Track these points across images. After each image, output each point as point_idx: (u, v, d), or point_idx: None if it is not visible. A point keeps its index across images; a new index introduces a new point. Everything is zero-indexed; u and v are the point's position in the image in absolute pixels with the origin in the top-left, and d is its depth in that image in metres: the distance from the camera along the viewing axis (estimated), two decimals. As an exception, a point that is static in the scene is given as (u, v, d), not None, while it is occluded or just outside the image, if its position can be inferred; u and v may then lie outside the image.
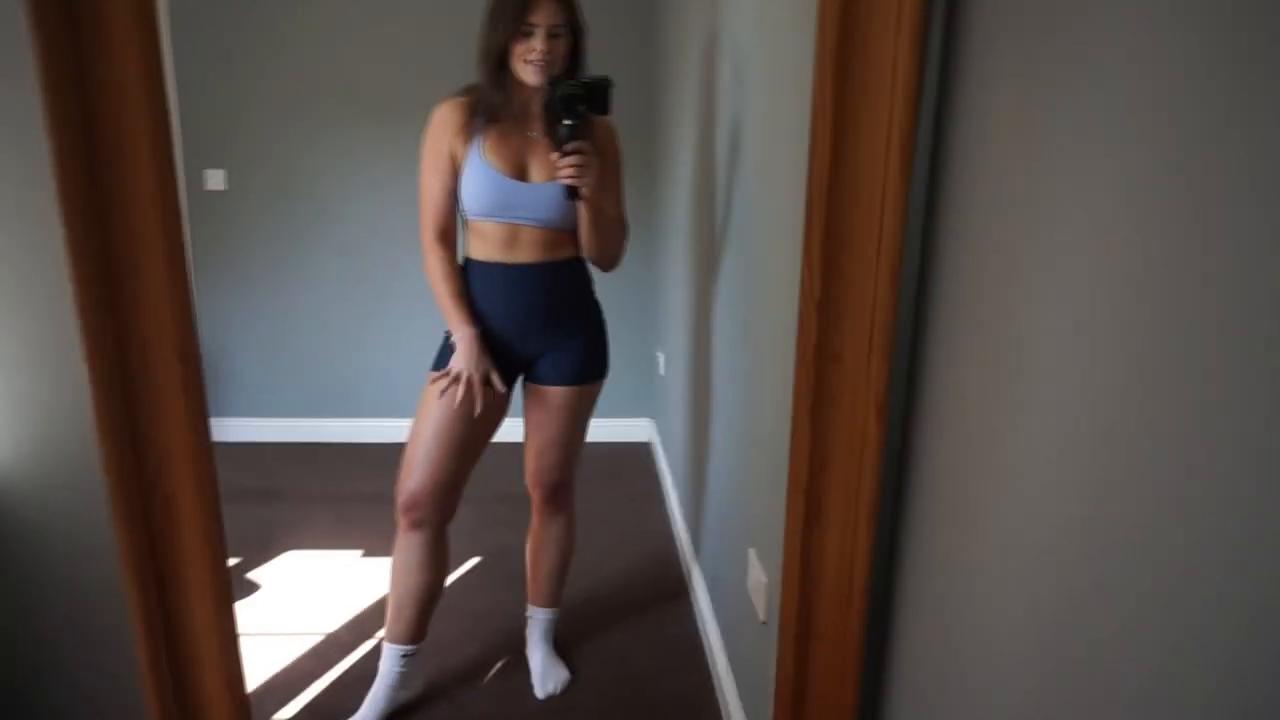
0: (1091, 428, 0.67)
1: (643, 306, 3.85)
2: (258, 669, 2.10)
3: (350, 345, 3.82)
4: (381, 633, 1.88)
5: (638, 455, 3.82)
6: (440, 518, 1.81)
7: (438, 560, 1.84)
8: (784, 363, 1.38)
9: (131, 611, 1.05)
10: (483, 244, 1.76)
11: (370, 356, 3.83)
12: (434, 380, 1.74)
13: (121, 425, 1.01)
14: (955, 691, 0.92)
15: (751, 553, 1.66)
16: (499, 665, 2.15)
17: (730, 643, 1.94)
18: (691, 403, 2.59)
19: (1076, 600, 0.69)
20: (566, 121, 1.58)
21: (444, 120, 1.71)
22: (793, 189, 1.32)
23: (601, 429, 3.87)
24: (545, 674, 2.07)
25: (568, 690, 2.05)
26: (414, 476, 1.76)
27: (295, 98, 3.54)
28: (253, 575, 2.61)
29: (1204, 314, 0.54)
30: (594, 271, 1.90)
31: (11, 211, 1.01)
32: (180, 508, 1.06)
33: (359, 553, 2.77)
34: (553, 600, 2.14)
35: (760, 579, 1.57)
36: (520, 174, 1.72)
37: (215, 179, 3.58)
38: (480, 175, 1.69)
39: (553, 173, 1.65)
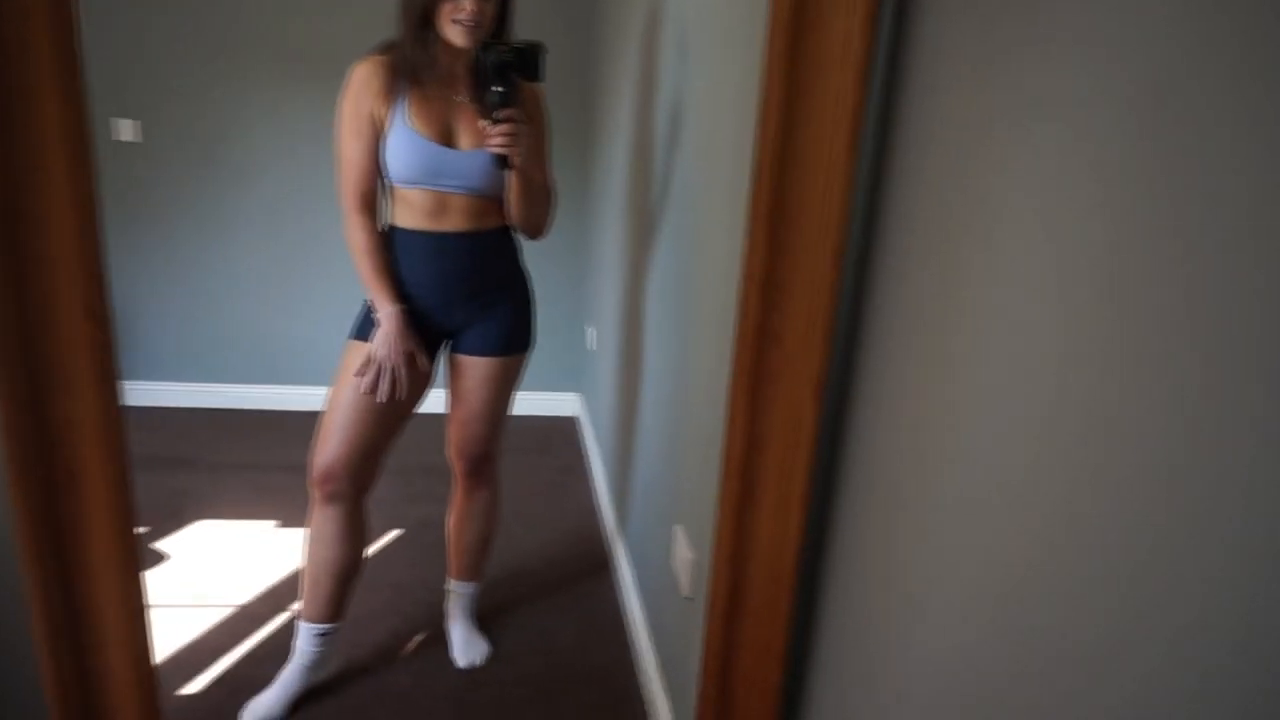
0: (1024, 413, 0.68)
1: (573, 280, 3.81)
2: (165, 642, 2.02)
3: (271, 308, 3.68)
4: (296, 606, 1.82)
5: (564, 429, 3.80)
6: (356, 490, 1.74)
7: (355, 534, 1.78)
8: (719, 342, 1.38)
9: (27, 582, 0.99)
10: (409, 212, 1.69)
11: (292, 321, 3.70)
12: (352, 367, 1.68)
13: (20, 387, 0.94)
14: (879, 670, 0.94)
15: (678, 529, 1.67)
16: (419, 639, 2.12)
17: (653, 618, 1.95)
18: (621, 379, 2.58)
19: (1002, 581, 0.70)
20: (498, 88, 1.52)
21: (365, 81, 1.62)
22: (734, 166, 1.31)
23: (528, 402, 3.86)
24: (466, 647, 2.05)
25: (488, 663, 2.03)
26: (329, 447, 1.69)
27: (217, 46, 3.37)
28: (160, 545, 2.50)
29: (1141, 304, 0.55)
30: (524, 243, 1.86)
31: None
32: (85, 476, 1.00)
33: (274, 523, 2.69)
34: (474, 574, 2.11)
35: (686, 555, 1.58)
36: (447, 139, 1.66)
37: (126, 129, 3.38)
38: (406, 141, 1.62)
39: (481, 139, 1.60)
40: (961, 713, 0.77)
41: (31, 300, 0.94)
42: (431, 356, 1.79)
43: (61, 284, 0.95)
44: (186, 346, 3.69)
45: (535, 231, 1.82)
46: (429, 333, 1.77)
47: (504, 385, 1.88)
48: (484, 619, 2.20)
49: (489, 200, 1.73)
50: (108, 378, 0.99)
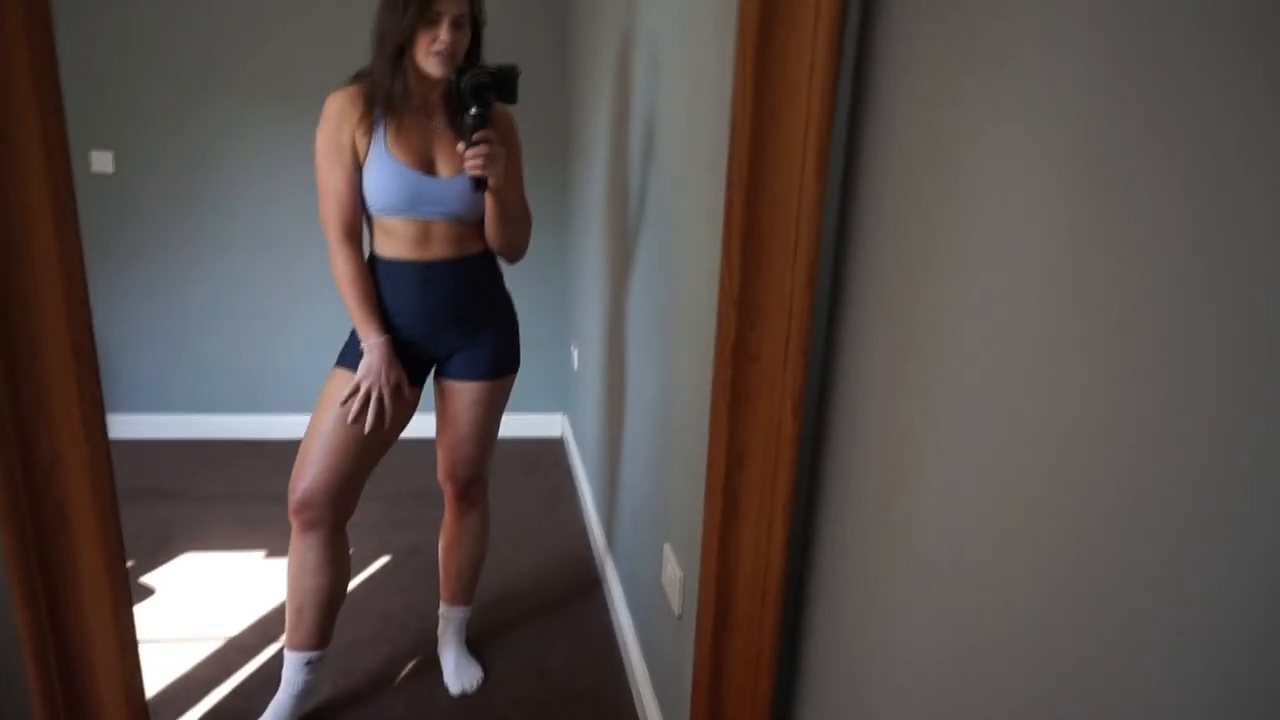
0: (998, 426, 0.70)
1: (556, 300, 3.83)
2: (154, 676, 2.01)
3: (252, 338, 3.68)
4: (284, 636, 1.82)
5: (551, 450, 3.80)
6: (337, 517, 1.74)
7: (336, 561, 1.78)
8: (700, 359, 1.40)
9: (18, 618, 0.99)
10: (391, 241, 1.71)
11: (273, 350, 3.70)
12: (335, 395, 1.69)
13: (7, 423, 0.95)
14: (867, 681, 0.95)
15: (667, 547, 1.68)
16: (411, 665, 2.11)
17: (645, 637, 1.96)
18: (606, 398, 2.60)
19: (982, 591, 0.72)
20: (474, 110, 1.55)
21: (342, 111, 1.64)
22: (708, 184, 1.33)
23: (515, 424, 3.86)
24: (459, 672, 2.05)
25: (482, 688, 2.03)
26: (308, 475, 1.68)
27: (190, 75, 3.38)
28: (147, 579, 2.49)
29: (1109, 317, 0.58)
30: (505, 265, 1.88)
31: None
32: (74, 511, 1.00)
33: (262, 553, 2.68)
34: (466, 598, 2.12)
35: (675, 573, 1.59)
36: (427, 167, 1.68)
37: (102, 161, 3.39)
38: (388, 170, 1.64)
39: (460, 165, 1.62)
40: (949, 718, 0.78)
41: (17, 337, 0.95)
42: (418, 384, 1.80)
43: (46, 321, 0.96)
44: (167, 378, 3.68)
45: (514, 254, 1.84)
46: (415, 361, 1.78)
47: (493, 407, 1.90)
48: (476, 642, 2.20)
49: (471, 226, 1.75)
50: (94, 412, 1.00)
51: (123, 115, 3.38)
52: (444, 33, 1.56)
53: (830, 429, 1.05)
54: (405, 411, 1.77)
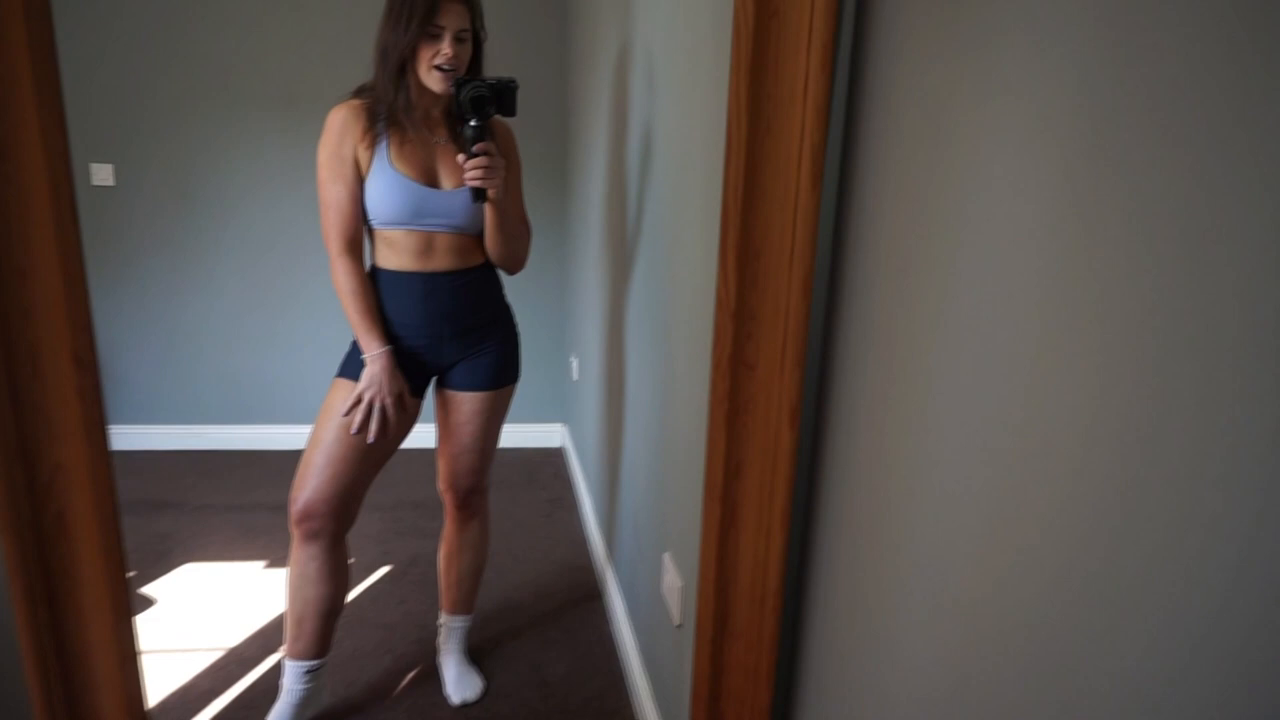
0: (994, 434, 0.70)
1: (556, 311, 3.84)
2: (155, 687, 2.01)
3: (252, 348, 3.69)
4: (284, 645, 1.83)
5: (551, 460, 3.80)
6: (338, 527, 1.75)
7: (337, 570, 1.78)
8: (698, 369, 1.41)
9: (19, 629, 1.00)
10: (394, 253, 1.72)
11: (273, 360, 3.71)
12: (337, 405, 1.70)
13: (9, 434, 0.95)
14: (866, 688, 0.96)
15: (666, 556, 1.68)
16: (411, 675, 2.11)
17: (645, 646, 1.96)
18: (605, 408, 2.60)
19: (980, 599, 0.73)
20: (473, 123, 1.57)
21: (345, 125, 1.65)
22: (705, 195, 1.34)
23: (515, 434, 3.87)
24: (459, 682, 2.05)
25: (482, 698, 2.03)
26: (310, 485, 1.69)
27: (190, 89, 3.40)
28: (148, 589, 2.49)
29: (1101, 329, 0.58)
30: (505, 276, 1.89)
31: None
32: (75, 522, 1.01)
33: (262, 564, 2.68)
34: (466, 607, 2.12)
35: (675, 582, 1.59)
36: (430, 180, 1.69)
37: (102, 174, 3.41)
38: (392, 182, 1.65)
39: (462, 177, 1.64)
40: (941, 725, 0.79)
41: (19, 349, 0.96)
42: (419, 395, 1.81)
43: (49, 332, 0.96)
44: (166, 389, 3.69)
45: (513, 265, 1.85)
46: (417, 372, 1.79)
47: (494, 418, 1.91)
48: (476, 652, 2.20)
49: (473, 238, 1.76)
50: (96, 424, 1.00)
51: (123, 128, 3.40)
52: (446, 47, 1.58)
53: (827, 438, 1.06)
54: (407, 422, 1.78)
